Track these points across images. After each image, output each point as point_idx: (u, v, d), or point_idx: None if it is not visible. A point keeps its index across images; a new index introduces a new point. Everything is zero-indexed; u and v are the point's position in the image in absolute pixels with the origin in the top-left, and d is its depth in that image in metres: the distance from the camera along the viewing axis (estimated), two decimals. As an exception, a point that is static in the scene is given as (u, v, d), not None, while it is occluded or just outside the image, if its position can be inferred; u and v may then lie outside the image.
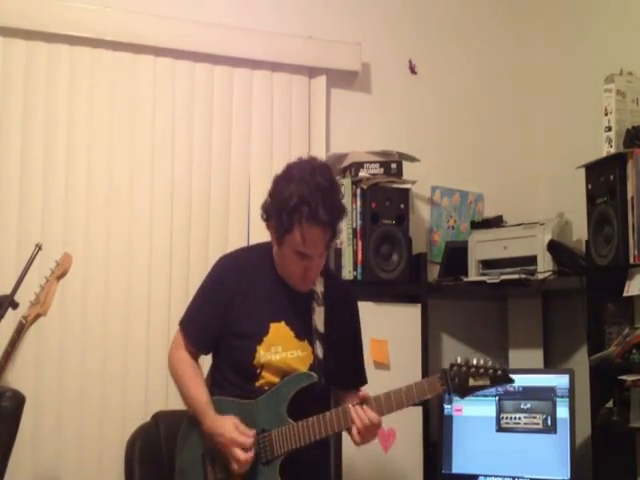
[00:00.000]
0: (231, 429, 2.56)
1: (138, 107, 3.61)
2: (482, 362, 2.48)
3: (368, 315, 3.68)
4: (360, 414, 2.55)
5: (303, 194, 2.49)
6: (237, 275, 2.70)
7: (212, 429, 2.60)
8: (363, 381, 2.85)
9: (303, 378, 2.63)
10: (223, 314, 2.68)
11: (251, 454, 2.56)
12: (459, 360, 2.50)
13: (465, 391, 2.52)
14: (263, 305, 2.68)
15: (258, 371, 2.64)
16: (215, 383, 2.73)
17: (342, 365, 2.72)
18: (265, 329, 2.65)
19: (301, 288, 2.68)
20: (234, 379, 2.68)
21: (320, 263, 2.64)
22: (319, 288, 2.73)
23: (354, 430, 2.56)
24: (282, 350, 2.65)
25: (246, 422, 2.60)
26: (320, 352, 2.66)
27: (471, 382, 2.47)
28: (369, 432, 2.58)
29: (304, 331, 2.68)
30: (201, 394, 2.66)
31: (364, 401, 2.57)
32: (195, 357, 2.76)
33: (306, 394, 2.62)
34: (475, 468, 3.58)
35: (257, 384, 2.65)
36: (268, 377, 2.64)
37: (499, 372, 2.48)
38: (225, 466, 2.60)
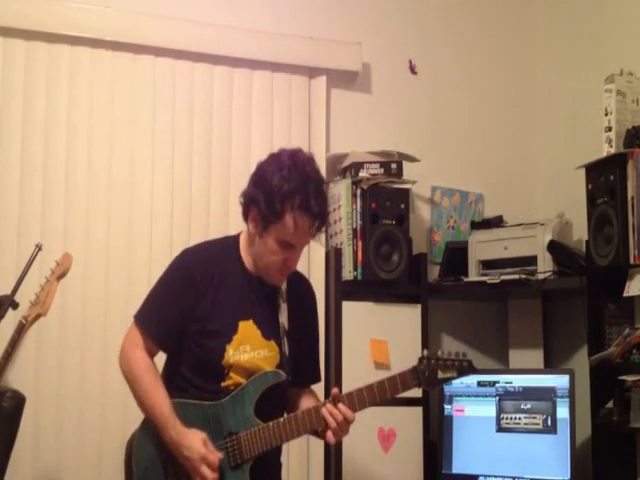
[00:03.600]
0: (200, 445, 2.44)
1: (138, 107, 3.61)
2: (446, 354, 2.51)
3: (368, 315, 3.73)
4: (334, 413, 2.47)
5: (297, 182, 2.46)
6: (205, 271, 2.57)
7: (178, 442, 2.47)
8: (317, 378, 2.79)
9: (270, 377, 2.55)
10: (189, 311, 2.56)
11: (216, 475, 2.45)
12: (426, 353, 2.51)
13: (434, 383, 2.54)
14: (232, 303, 2.58)
15: (226, 371, 2.54)
16: (172, 384, 2.57)
17: (299, 361, 2.64)
18: (234, 327, 2.56)
19: (277, 281, 2.61)
20: (196, 379, 2.56)
21: (300, 256, 2.60)
22: (283, 284, 2.66)
23: (329, 433, 2.48)
24: (250, 350, 2.56)
25: (212, 425, 2.51)
26: (287, 350, 2.60)
27: (440, 375, 2.48)
28: (342, 430, 2.50)
29: (271, 330, 2.60)
30: (162, 402, 2.50)
31: (336, 398, 2.49)
32: (152, 356, 2.61)
33: (272, 393, 2.55)
34: (475, 468, 3.59)
35: (223, 384, 2.54)
36: (235, 377, 2.54)
37: (465, 363, 2.50)
38: (189, 478, 2.50)
